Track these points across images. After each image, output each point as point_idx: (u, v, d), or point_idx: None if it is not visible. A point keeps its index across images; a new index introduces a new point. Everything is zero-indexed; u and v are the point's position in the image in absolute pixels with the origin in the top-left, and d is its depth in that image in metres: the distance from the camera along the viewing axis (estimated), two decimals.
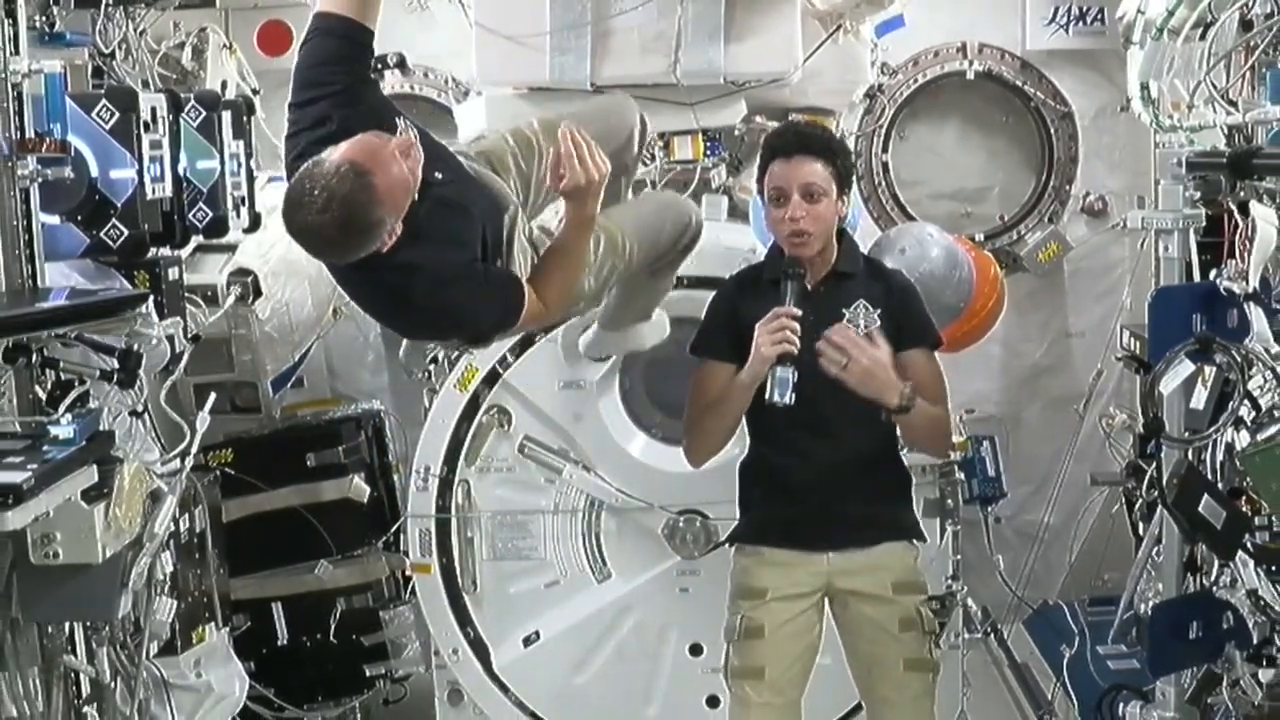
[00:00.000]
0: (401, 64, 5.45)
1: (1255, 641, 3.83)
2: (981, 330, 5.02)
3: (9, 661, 3.47)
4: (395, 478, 5.33)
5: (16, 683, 3.48)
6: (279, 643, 5.13)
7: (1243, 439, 3.70)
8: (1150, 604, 4.28)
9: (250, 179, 4.49)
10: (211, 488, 4.45)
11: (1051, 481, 6.03)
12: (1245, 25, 4.32)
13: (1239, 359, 3.65)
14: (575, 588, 4.94)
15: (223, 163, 4.31)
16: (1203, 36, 4.35)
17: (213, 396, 4.01)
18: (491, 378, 4.82)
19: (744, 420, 3.93)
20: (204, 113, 4.25)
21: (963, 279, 4.71)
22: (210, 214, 4.27)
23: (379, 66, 5.20)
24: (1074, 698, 4.98)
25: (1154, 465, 4.24)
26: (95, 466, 3.25)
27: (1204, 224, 4.18)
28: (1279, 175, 3.92)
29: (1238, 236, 4.27)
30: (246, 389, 5.18)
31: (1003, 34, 6.07)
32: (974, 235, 6.00)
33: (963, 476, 4.93)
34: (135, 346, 3.55)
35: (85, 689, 3.76)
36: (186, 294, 4.34)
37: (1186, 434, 3.94)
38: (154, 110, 4.01)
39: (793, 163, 3.84)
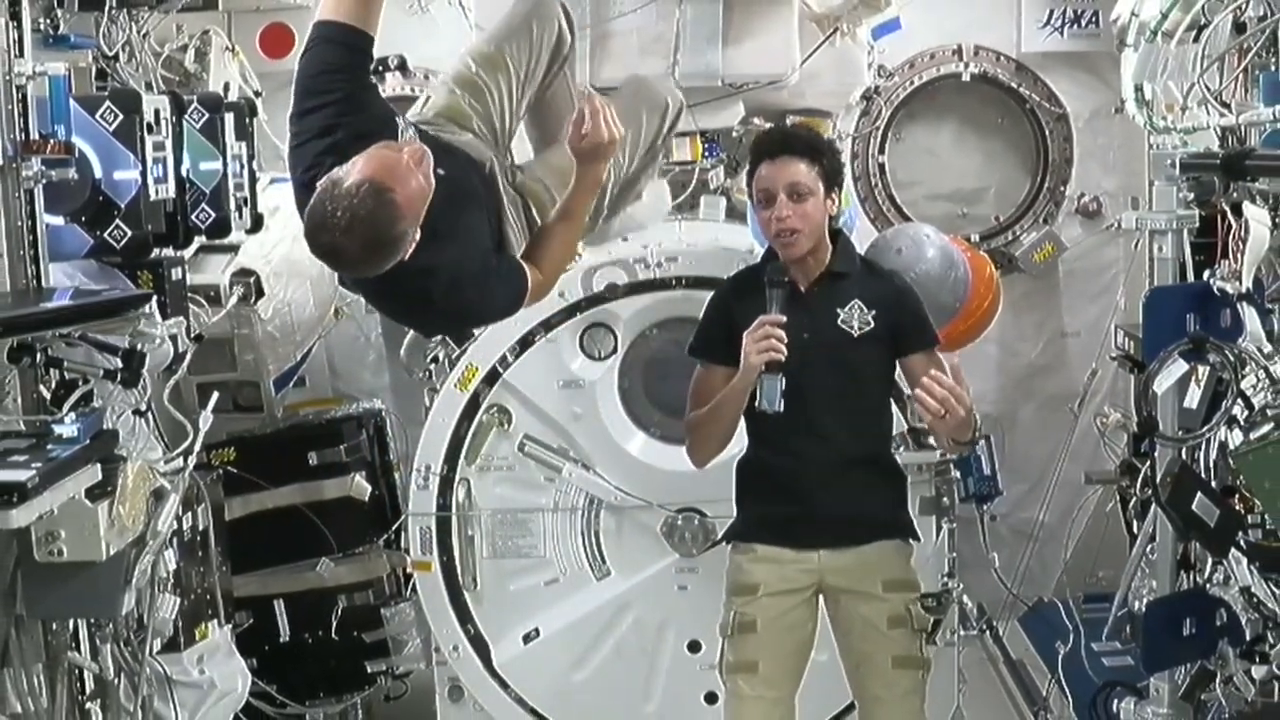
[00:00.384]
0: (402, 66, 5.49)
1: (1248, 638, 3.87)
2: (977, 330, 5.02)
3: (14, 658, 3.48)
4: (396, 476, 5.35)
5: (21, 679, 3.50)
6: (281, 639, 5.15)
7: (1236, 438, 3.73)
8: (1144, 601, 4.32)
9: (253, 180, 4.48)
10: (214, 486, 4.44)
11: (1046, 480, 6.01)
12: (1238, 28, 4.34)
13: (1232, 359, 3.68)
14: (575, 585, 4.96)
15: (225, 164, 4.29)
16: (1196, 39, 4.38)
17: (215, 395, 4.00)
18: (491, 377, 4.83)
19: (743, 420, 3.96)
20: (207, 114, 4.24)
21: (959, 279, 4.72)
22: (213, 215, 4.25)
23: (379, 69, 5.24)
24: (1069, 694, 4.96)
25: (1148, 464, 4.25)
26: (99, 465, 3.25)
27: (1198, 225, 4.20)
28: (1272, 176, 3.94)
29: (1231, 237, 4.26)
30: (249, 388, 5.18)
31: (998, 36, 6.07)
32: (970, 236, 5.98)
33: (958, 475, 4.94)
34: (138, 346, 3.54)
35: (89, 685, 3.76)
36: (189, 294, 4.35)
37: (1180, 433, 3.97)
38: (157, 112, 4.00)
39: (777, 163, 3.87)
